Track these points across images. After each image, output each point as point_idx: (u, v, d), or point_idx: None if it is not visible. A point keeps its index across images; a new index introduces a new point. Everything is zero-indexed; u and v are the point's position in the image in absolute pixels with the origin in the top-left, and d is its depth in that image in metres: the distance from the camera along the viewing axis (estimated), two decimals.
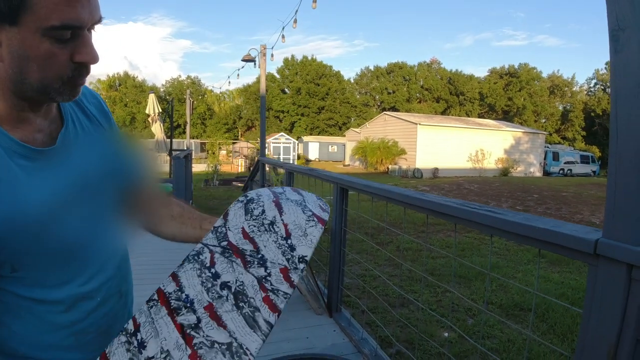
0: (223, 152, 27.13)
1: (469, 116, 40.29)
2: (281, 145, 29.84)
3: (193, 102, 24.83)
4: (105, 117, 0.83)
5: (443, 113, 43.10)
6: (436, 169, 22.55)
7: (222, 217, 0.66)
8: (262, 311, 0.52)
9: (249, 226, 0.63)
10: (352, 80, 48.72)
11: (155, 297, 0.56)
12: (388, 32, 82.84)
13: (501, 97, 42.95)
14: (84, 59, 0.62)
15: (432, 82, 44.72)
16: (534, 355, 2.84)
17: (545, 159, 27.48)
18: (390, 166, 23.88)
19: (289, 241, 0.60)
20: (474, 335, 3.16)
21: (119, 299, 0.80)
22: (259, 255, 0.58)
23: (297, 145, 32.49)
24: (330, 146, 33.19)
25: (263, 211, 0.65)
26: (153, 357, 0.50)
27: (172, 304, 0.54)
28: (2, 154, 0.62)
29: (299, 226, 0.62)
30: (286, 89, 45.20)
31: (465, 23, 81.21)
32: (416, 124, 23.04)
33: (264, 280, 0.55)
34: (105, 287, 0.76)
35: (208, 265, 0.58)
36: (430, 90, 44.82)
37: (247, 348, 0.49)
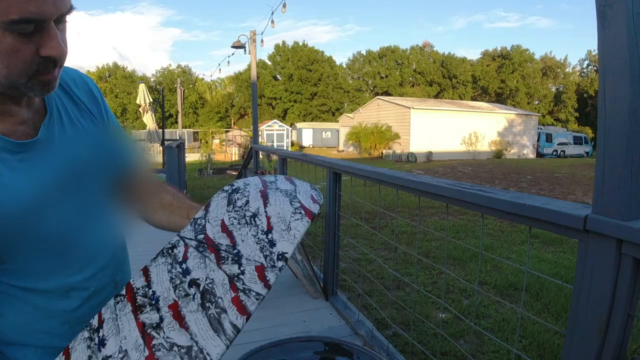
0: (216, 141, 26.94)
1: (462, 99, 40.19)
2: (274, 133, 29.67)
3: (184, 91, 24.56)
4: (95, 102, 0.80)
5: (436, 96, 42.97)
6: (430, 153, 22.55)
7: (203, 207, 0.63)
8: (230, 313, 0.48)
9: (229, 218, 0.59)
10: (345, 66, 48.36)
11: (124, 292, 0.53)
12: (380, 15, 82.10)
13: (494, 79, 42.78)
14: (49, 53, 0.59)
15: (424, 65, 44.43)
16: (528, 333, 2.86)
17: (538, 140, 27.51)
18: (384, 151, 23.84)
19: (270, 236, 0.56)
20: (469, 315, 3.18)
21: (114, 288, 0.79)
22: (235, 251, 0.54)
23: (291, 132, 32.31)
24: (324, 132, 33.03)
25: (247, 202, 0.61)
26: (111, 356, 0.47)
27: (137, 300, 0.51)
28: None
29: (282, 219, 0.58)
30: (278, 76, 44.79)
31: (457, 5, 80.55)
32: (409, 108, 22.94)
33: (235, 278, 0.52)
34: (98, 276, 0.75)
35: (180, 260, 0.55)
36: (423, 74, 44.56)
37: (207, 353, 0.45)
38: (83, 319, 0.72)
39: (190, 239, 0.58)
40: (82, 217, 0.73)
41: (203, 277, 0.53)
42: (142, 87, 10.49)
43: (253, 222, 0.58)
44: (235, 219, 0.59)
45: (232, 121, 42.23)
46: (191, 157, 17.59)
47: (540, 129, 28.72)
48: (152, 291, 0.52)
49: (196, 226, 0.60)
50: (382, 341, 2.15)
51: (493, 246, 5.12)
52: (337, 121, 33.65)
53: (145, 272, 0.55)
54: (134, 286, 0.54)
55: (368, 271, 4.10)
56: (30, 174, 0.65)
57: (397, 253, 4.66)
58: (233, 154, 23.06)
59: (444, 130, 23.35)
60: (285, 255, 0.54)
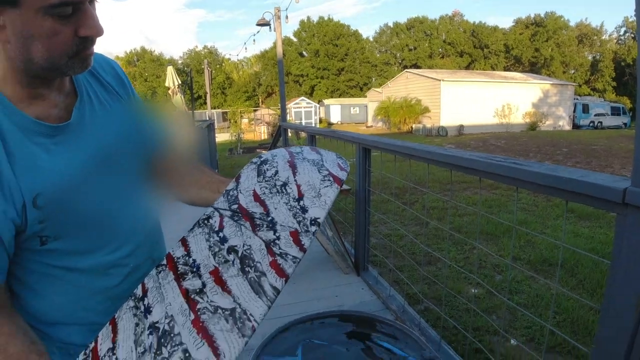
0: (245, 121, 27.17)
1: (494, 70, 38.73)
2: (302, 110, 29.61)
3: (212, 71, 24.74)
4: (122, 84, 0.82)
5: (467, 68, 41.61)
6: (461, 126, 22.00)
7: (234, 179, 0.65)
8: (269, 276, 0.50)
9: (260, 188, 0.61)
10: (371, 39, 47.37)
11: (164, 262, 0.56)
12: None
13: (527, 48, 40.98)
14: (88, 33, 0.61)
15: (454, 35, 42.98)
16: (562, 309, 2.82)
17: (574, 111, 26.36)
18: (414, 125, 23.44)
19: (301, 202, 0.58)
20: (502, 291, 3.14)
21: (151, 264, 0.82)
22: (269, 218, 0.56)
23: (319, 109, 32.16)
24: (352, 108, 32.70)
25: (276, 172, 0.62)
26: (158, 321, 0.49)
27: (179, 269, 0.54)
28: (19, 134, 0.64)
29: (312, 187, 0.59)
30: (304, 52, 44.37)
31: None
32: (439, 80, 22.35)
33: (272, 244, 0.53)
34: (136, 254, 0.78)
35: (217, 229, 0.57)
36: (453, 45, 43.15)
37: (251, 314, 0.47)
38: (123, 295, 0.75)
39: (225, 210, 0.60)
40: (118, 196, 0.76)
41: (240, 244, 0.55)
42: (170, 70, 10.61)
43: (284, 190, 0.60)
44: (266, 188, 0.61)
45: (260, 100, 42.36)
46: (221, 137, 17.84)
47: (577, 99, 27.47)
48: (192, 259, 0.54)
49: (229, 197, 0.62)
50: (414, 316, 2.16)
51: (527, 221, 5.01)
52: (365, 96, 33.20)
53: (184, 242, 0.57)
54: (174, 256, 0.56)
55: (399, 247, 4.10)
56: (65, 156, 0.67)
57: (428, 228, 4.63)
58: (262, 133, 23.21)
59: (475, 102, 22.68)
60: (318, 220, 0.56)
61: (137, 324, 0.50)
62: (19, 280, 0.70)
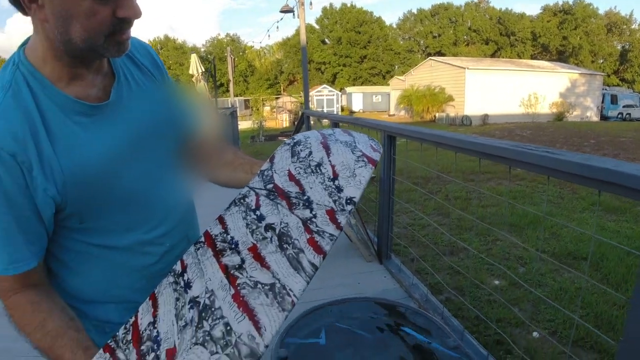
0: (267, 108, 27.24)
1: (520, 58, 37.69)
2: (324, 98, 29.50)
3: (234, 59, 24.82)
4: (157, 67, 0.83)
5: (493, 56, 40.61)
6: (486, 116, 21.57)
7: (268, 160, 0.66)
8: (307, 252, 0.51)
9: (295, 168, 0.62)
10: (395, 26, 46.63)
11: (202, 239, 0.57)
12: None
13: (555, 36, 39.70)
14: (126, 14, 0.61)
15: (480, 22, 41.92)
16: (586, 303, 2.77)
17: (602, 102, 25.48)
18: (437, 114, 23.08)
19: (336, 182, 0.58)
20: (526, 283, 3.10)
21: (186, 244, 0.83)
22: (305, 197, 0.57)
23: (341, 96, 31.97)
24: (374, 96, 32.38)
25: (310, 153, 0.63)
26: (198, 296, 0.51)
27: (217, 246, 0.55)
28: (59, 113, 0.65)
29: (347, 167, 0.60)
30: (326, 40, 44.05)
31: None
32: (464, 68, 21.91)
33: (309, 221, 0.54)
34: (172, 233, 0.80)
35: (253, 207, 0.58)
36: (478, 32, 42.12)
37: (290, 289, 0.48)
38: (159, 273, 0.76)
39: (260, 189, 0.61)
40: (155, 175, 0.77)
41: (278, 222, 0.55)
42: (194, 57, 10.69)
43: (318, 170, 0.60)
44: (300, 168, 0.61)
45: (282, 88, 42.37)
46: (243, 124, 17.95)
47: (605, 89, 26.54)
48: (231, 237, 0.55)
49: (264, 177, 0.63)
50: (437, 305, 2.16)
51: (552, 213, 4.90)
52: (388, 84, 32.83)
53: (221, 220, 0.58)
54: (212, 233, 0.57)
55: (421, 236, 4.07)
56: (104, 136, 0.69)
57: (450, 219, 4.58)
58: (284, 121, 23.27)
59: (501, 91, 22.16)
60: (353, 199, 0.56)
61: (177, 299, 0.52)
62: (56, 258, 0.72)
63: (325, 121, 5.97)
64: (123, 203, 0.72)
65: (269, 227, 0.55)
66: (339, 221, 0.54)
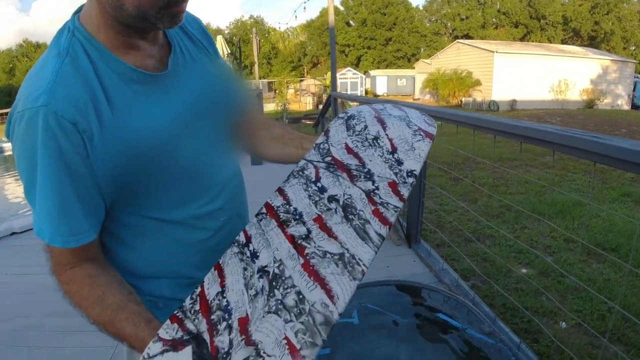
0: (291, 91, 27.18)
1: (551, 42, 36.41)
2: (348, 81, 29.23)
3: (260, 40, 24.73)
4: (209, 41, 0.83)
5: (522, 39, 39.35)
6: (514, 101, 21.02)
7: (323, 134, 0.65)
8: (373, 223, 0.51)
9: (352, 142, 0.61)
10: (421, 8, 45.58)
11: (264, 210, 0.57)
12: None
13: (587, 21, 38.08)
14: None
15: (509, 5, 40.51)
16: (614, 295, 2.72)
17: (634, 90, 24.46)
18: (463, 99, 22.60)
19: (396, 155, 0.58)
20: (553, 272, 3.06)
21: (239, 220, 0.83)
22: (365, 170, 0.57)
23: (365, 80, 31.61)
24: (399, 79, 31.87)
25: (365, 127, 0.63)
26: (266, 265, 0.50)
27: (281, 217, 0.55)
28: (117, 80, 0.63)
29: (405, 140, 0.60)
30: (351, 22, 43.40)
31: None
32: (493, 52, 21.30)
33: (372, 193, 0.54)
34: (226, 208, 0.79)
35: (313, 179, 0.58)
36: (507, 15, 40.77)
37: (359, 259, 0.48)
38: (214, 248, 0.76)
39: (319, 162, 0.60)
40: (211, 148, 0.76)
41: (340, 193, 0.55)
42: (220, 39, 10.72)
43: (376, 144, 0.60)
44: (358, 142, 0.61)
45: (305, 70, 42.11)
46: (267, 107, 17.98)
47: (637, 77, 25.43)
48: (294, 208, 0.55)
49: (320, 150, 0.62)
50: (468, 291, 2.14)
51: (581, 203, 4.79)
52: (413, 67, 32.24)
53: (281, 192, 0.58)
54: (273, 205, 0.57)
55: (447, 222, 4.04)
56: (163, 105, 0.68)
57: (477, 205, 4.53)
58: (307, 104, 23.20)
59: (530, 76, 21.51)
60: (414, 172, 0.56)
61: (245, 269, 0.51)
62: (110, 232, 0.71)
63: (354, 104, 5.92)
64: (179, 175, 0.71)
65: (332, 199, 0.55)
66: (401, 193, 0.54)
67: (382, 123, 0.63)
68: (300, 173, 0.59)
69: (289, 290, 0.47)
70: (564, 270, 3.11)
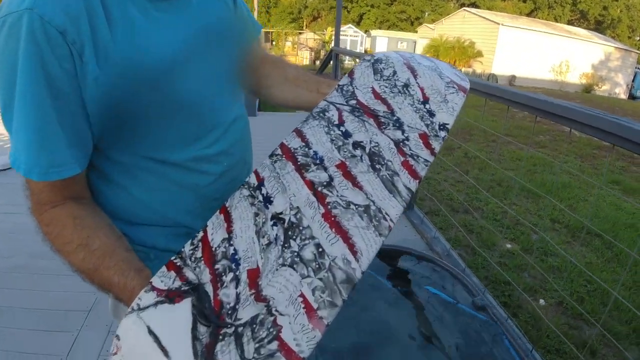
0: (288, 44, 26.40)
1: (557, 22, 35.75)
2: (348, 39, 28.44)
3: None
4: None
5: (529, 15, 38.52)
6: (513, 77, 20.83)
7: (347, 75, 0.58)
8: (402, 176, 0.45)
9: (379, 86, 0.54)
10: None
11: (279, 151, 0.49)
12: None
13: (596, 4, 37.33)
14: None
15: None
16: (594, 280, 2.78)
17: (633, 81, 24.38)
18: (463, 69, 22.30)
19: (427, 106, 0.52)
20: (537, 251, 3.10)
21: (243, 166, 0.75)
22: (394, 118, 0.50)
23: (365, 39, 30.83)
24: (399, 42, 31.10)
25: (394, 72, 0.56)
26: (282, 212, 0.44)
27: (299, 160, 0.48)
28: None
29: (437, 91, 0.53)
30: None
31: None
32: (498, 24, 20.86)
33: (401, 143, 0.48)
34: (231, 151, 0.70)
35: (336, 122, 0.51)
36: None
37: (386, 213, 0.42)
38: (214, 196, 0.68)
39: (342, 104, 0.53)
40: (216, 84, 0.67)
41: (367, 140, 0.49)
42: None
43: (406, 91, 0.54)
44: (386, 87, 0.55)
45: (305, 23, 40.81)
46: None
47: (638, 68, 25.32)
48: (314, 151, 0.48)
49: (344, 92, 0.55)
50: (458, 261, 2.14)
51: (571, 185, 4.83)
52: (416, 31, 31.49)
53: (299, 133, 0.51)
54: (289, 146, 0.50)
55: (437, 191, 4.03)
56: (169, 28, 0.59)
57: (468, 176, 4.52)
58: (304, 58, 22.65)
59: (532, 53, 21.24)
60: (447, 126, 0.50)
61: (256, 214, 0.45)
62: (98, 170, 0.62)
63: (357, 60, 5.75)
64: (180, 111, 0.62)
65: (358, 145, 0.48)
66: (432, 147, 0.48)
67: (412, 70, 0.56)
68: (322, 115, 0.52)
69: (307, 241, 0.41)
70: (547, 249, 3.15)
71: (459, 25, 23.62)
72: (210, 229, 0.46)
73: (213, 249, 0.44)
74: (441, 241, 2.31)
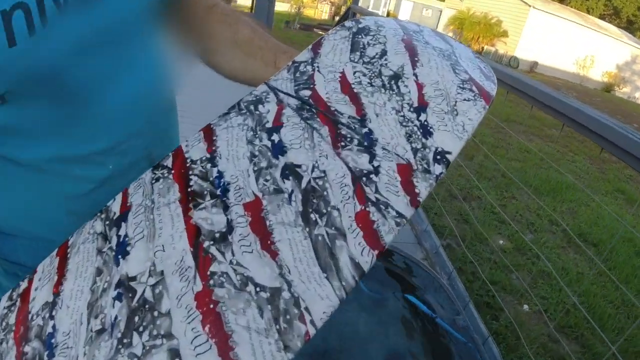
0: None
1: (589, 14, 34.35)
2: None
3: None
4: None
5: (561, 2, 36.97)
6: (535, 63, 20.17)
7: (310, 48, 0.38)
8: (350, 240, 0.25)
9: (354, 73, 0.35)
10: None
11: (169, 163, 0.31)
12: None
13: (631, 3, 35.76)
14: None
15: None
16: (583, 292, 2.68)
17: None
18: (485, 47, 21.55)
19: (423, 116, 0.32)
20: (529, 252, 2.98)
21: (148, 167, 0.52)
22: (364, 130, 0.31)
23: (389, 1, 29.59)
24: (424, 9, 29.77)
25: (384, 52, 0.36)
26: (135, 278, 0.25)
27: (191, 183, 0.29)
28: None
29: (444, 93, 0.33)
30: None
31: None
32: (530, 6, 20.02)
33: (364, 179, 0.28)
34: (122, 149, 0.49)
35: (269, 125, 0.32)
36: None
37: (306, 307, 0.23)
38: (95, 211, 0.47)
39: (288, 94, 0.34)
40: (116, 68, 0.46)
41: (309, 165, 0.30)
42: None
43: (394, 87, 0.34)
44: (364, 75, 0.35)
45: None
46: (280, 6, 16.76)
47: None
48: (218, 171, 0.29)
49: (297, 74, 0.36)
50: (446, 262, 1.99)
51: (575, 187, 4.66)
52: (443, 0, 30.21)
53: (208, 134, 0.31)
54: (187, 156, 0.31)
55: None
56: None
57: (472, 162, 4.35)
58: (323, 12, 21.82)
59: (559, 42, 20.53)
60: (448, 156, 0.30)
61: (99, 272, 0.27)
62: None
63: None
64: (55, 83, 0.41)
65: (292, 172, 0.29)
66: (416, 191, 0.28)
67: (412, 53, 0.36)
68: (251, 107, 0.33)
69: (158, 342, 0.22)
70: (540, 252, 3.03)
71: (489, 1, 22.69)
72: (38, 279, 0.28)
73: (30, 316, 0.27)
74: (432, 236, 2.16)
